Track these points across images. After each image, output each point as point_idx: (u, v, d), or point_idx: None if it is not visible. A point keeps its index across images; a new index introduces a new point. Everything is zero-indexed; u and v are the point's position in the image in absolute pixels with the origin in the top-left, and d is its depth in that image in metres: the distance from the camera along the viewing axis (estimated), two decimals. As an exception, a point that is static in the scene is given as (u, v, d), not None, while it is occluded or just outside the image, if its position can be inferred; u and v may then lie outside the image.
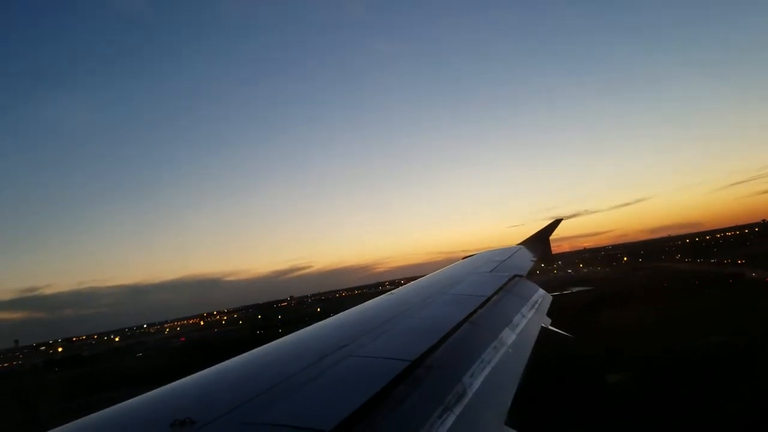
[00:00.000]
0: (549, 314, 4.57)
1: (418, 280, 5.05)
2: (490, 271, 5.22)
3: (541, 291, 5.00)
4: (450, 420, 1.95)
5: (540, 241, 7.81)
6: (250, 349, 2.71)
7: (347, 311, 3.64)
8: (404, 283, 5.28)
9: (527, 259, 6.50)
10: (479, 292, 4.04)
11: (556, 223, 8.19)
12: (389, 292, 4.40)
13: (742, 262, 75.15)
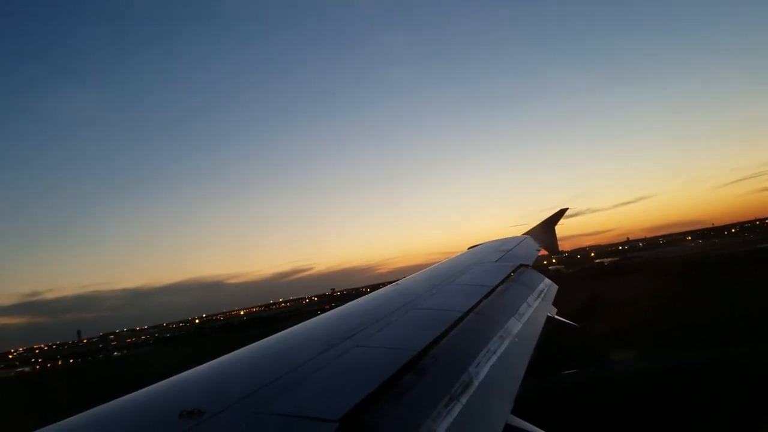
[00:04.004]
0: (554, 303, 4.57)
1: (424, 270, 5.05)
2: (496, 261, 5.21)
3: (547, 280, 4.99)
4: (456, 409, 1.95)
5: (545, 230, 7.77)
6: None
7: (353, 302, 3.65)
8: None
9: (533, 249, 6.48)
10: (485, 281, 4.03)
11: (562, 212, 8.13)
12: (395, 282, 4.41)
13: None
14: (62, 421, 1.81)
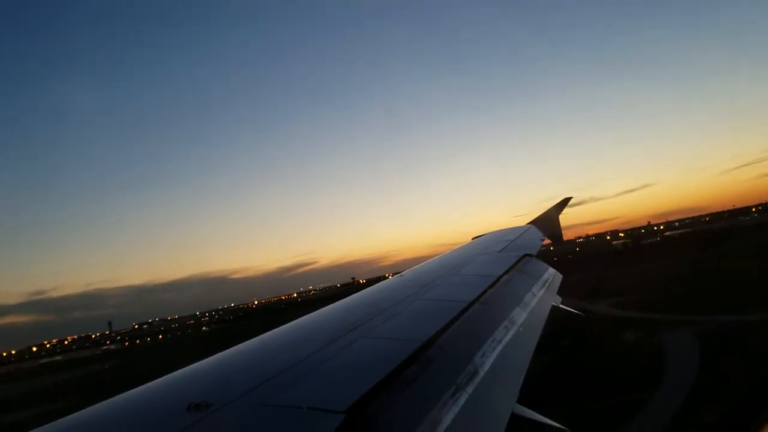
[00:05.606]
0: (559, 292, 4.56)
1: (429, 261, 5.05)
2: (500, 251, 5.20)
3: (552, 270, 4.97)
4: (462, 399, 1.96)
5: (550, 219, 7.72)
6: None
7: (358, 293, 3.66)
8: None
9: (537, 238, 6.45)
10: (489, 271, 4.02)
11: (566, 201, 8.08)
12: (400, 274, 4.41)
13: None
14: (70, 416, 1.83)
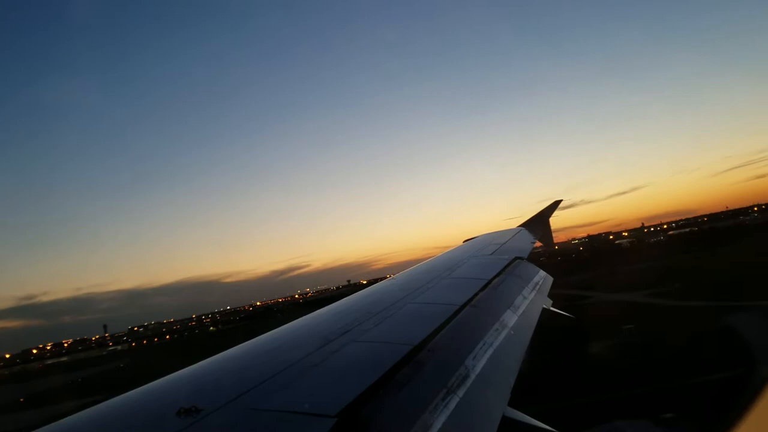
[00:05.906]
0: (549, 295, 4.60)
1: (420, 264, 5.06)
2: (491, 254, 5.23)
3: (542, 272, 5.01)
4: (453, 402, 1.97)
5: (540, 222, 7.78)
6: None
7: (349, 297, 3.65)
8: None
9: (527, 241, 6.49)
10: (480, 275, 4.04)
11: (556, 204, 8.16)
12: (391, 277, 4.42)
13: None
14: (60, 420, 1.81)
